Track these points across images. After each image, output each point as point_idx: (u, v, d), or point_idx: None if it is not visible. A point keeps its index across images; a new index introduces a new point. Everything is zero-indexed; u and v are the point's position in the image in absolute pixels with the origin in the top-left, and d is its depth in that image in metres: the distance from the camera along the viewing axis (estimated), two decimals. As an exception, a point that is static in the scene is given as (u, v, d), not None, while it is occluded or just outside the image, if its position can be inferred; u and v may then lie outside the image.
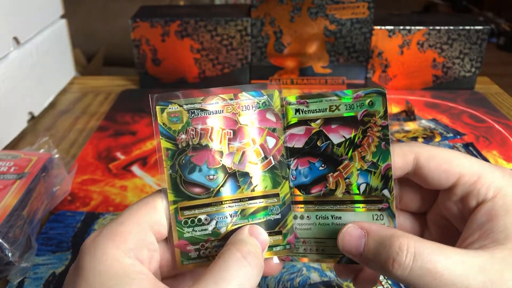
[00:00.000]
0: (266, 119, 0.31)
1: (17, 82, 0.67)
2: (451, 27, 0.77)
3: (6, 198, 0.45)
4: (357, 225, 0.29)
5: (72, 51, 0.88)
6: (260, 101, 0.31)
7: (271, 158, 0.31)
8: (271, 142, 0.31)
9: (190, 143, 0.31)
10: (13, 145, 0.66)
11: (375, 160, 0.30)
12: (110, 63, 1.48)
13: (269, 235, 0.31)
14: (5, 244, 0.41)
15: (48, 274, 0.44)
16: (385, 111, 0.30)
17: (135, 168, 0.61)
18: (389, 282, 0.42)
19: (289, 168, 0.32)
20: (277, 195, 0.31)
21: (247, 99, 0.31)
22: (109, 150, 0.65)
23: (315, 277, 0.43)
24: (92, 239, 0.27)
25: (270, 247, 0.32)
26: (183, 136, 0.30)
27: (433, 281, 0.25)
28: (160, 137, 0.30)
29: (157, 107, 0.30)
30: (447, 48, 0.78)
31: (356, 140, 0.31)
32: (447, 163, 0.30)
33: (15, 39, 0.67)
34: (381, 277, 0.42)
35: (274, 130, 0.31)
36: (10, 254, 0.42)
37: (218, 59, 0.80)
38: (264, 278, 0.43)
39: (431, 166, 0.30)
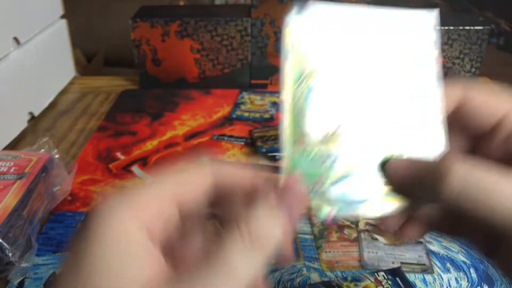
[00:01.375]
0: None
1: (17, 82, 0.67)
2: (451, 27, 0.77)
3: (6, 198, 0.45)
4: (403, 158, 0.28)
5: (72, 51, 0.88)
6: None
7: None
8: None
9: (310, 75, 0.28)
10: (13, 145, 0.66)
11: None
12: (110, 63, 1.48)
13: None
14: (5, 244, 0.41)
15: (48, 274, 0.44)
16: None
17: (135, 168, 0.61)
18: (390, 282, 0.42)
19: None
20: None
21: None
22: (109, 150, 0.65)
23: (315, 277, 0.43)
24: (110, 202, 0.24)
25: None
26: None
27: (487, 202, 0.23)
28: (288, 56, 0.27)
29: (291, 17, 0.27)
30: (447, 48, 0.78)
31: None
32: (491, 98, 0.28)
33: (15, 39, 0.67)
34: (381, 278, 0.42)
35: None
36: (10, 254, 0.42)
37: (218, 59, 0.80)
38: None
39: (475, 102, 0.28)
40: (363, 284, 0.42)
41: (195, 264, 0.22)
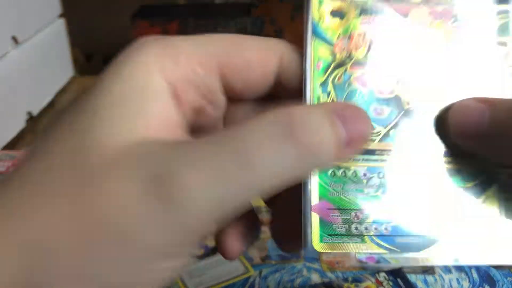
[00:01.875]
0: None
1: (16, 82, 0.67)
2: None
3: (5, 199, 0.45)
4: (475, 99, 0.20)
5: (71, 50, 0.88)
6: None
7: None
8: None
9: (353, 54, 0.21)
10: (11, 145, 0.66)
11: None
12: (109, 63, 1.47)
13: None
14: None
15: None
16: None
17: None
18: (391, 283, 0.42)
19: None
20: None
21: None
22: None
23: (315, 278, 0.43)
24: (145, 41, 0.20)
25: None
26: (345, 42, 0.21)
27: None
28: (313, 37, 0.21)
29: None
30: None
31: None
32: None
33: (14, 39, 0.67)
34: (381, 278, 0.42)
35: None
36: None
37: (218, 58, 0.80)
38: (264, 278, 0.43)
39: None
40: (364, 284, 0.42)
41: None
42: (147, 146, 0.17)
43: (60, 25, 0.83)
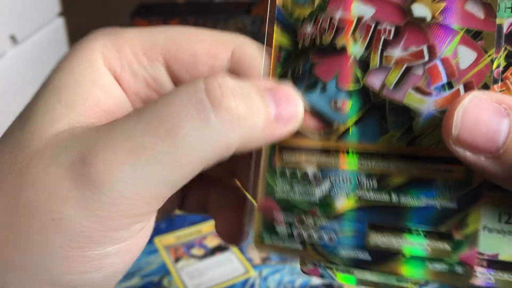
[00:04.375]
0: (466, 13, 0.16)
1: (14, 81, 0.67)
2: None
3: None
4: (490, 97, 0.15)
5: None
6: None
7: (461, 87, 0.16)
8: (466, 57, 0.16)
9: (317, 41, 0.18)
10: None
11: None
12: None
13: (425, 237, 0.17)
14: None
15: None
16: None
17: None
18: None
19: None
20: (458, 161, 0.16)
21: None
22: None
23: (316, 279, 0.43)
24: (93, 34, 0.20)
25: (421, 261, 0.17)
26: (309, 29, 0.18)
27: None
28: (276, 24, 0.19)
29: None
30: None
31: (494, 68, 0.16)
32: None
33: (12, 38, 0.67)
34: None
35: (476, 35, 0.16)
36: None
37: (218, 57, 0.79)
38: (264, 279, 0.43)
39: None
40: (364, 285, 0.42)
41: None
42: (72, 132, 0.17)
43: (59, 24, 0.82)
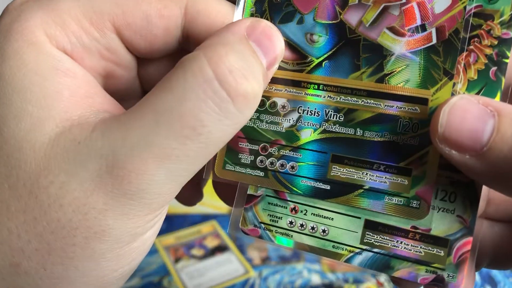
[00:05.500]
0: None
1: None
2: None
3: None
4: (476, 99, 0.16)
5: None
6: None
7: (433, 31, 0.17)
8: (442, 2, 0.17)
9: None
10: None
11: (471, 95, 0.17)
12: None
13: (385, 171, 0.18)
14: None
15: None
16: None
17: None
18: (391, 284, 0.42)
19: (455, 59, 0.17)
20: (424, 101, 0.17)
21: None
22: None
23: (316, 279, 0.43)
24: (22, 5, 0.17)
25: (379, 194, 0.18)
26: None
27: None
28: None
29: None
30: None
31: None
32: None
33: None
34: (382, 279, 0.42)
35: None
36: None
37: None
38: (264, 279, 0.43)
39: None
40: (364, 285, 0.42)
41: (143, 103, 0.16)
42: (73, 139, 0.16)
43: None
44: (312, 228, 0.19)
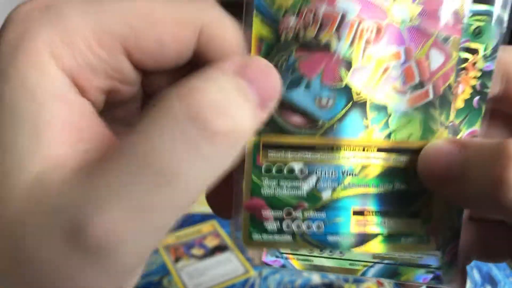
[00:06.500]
0: (436, 18, 0.18)
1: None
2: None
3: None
4: (449, 140, 0.19)
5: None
6: None
7: (430, 87, 0.19)
8: (436, 59, 0.19)
9: (301, 35, 0.18)
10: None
11: (457, 122, 0.19)
12: None
13: (398, 217, 0.20)
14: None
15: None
16: (495, 49, 0.19)
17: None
18: (391, 284, 0.42)
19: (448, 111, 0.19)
20: None
21: None
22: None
23: (316, 279, 0.43)
24: (29, 18, 0.17)
25: (395, 237, 0.20)
26: (292, 20, 0.18)
27: None
28: (255, 13, 0.18)
29: None
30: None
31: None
32: None
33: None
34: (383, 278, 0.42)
35: (446, 40, 0.19)
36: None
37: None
38: (264, 279, 0.43)
39: None
40: (364, 285, 0.42)
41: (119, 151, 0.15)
42: (50, 182, 0.15)
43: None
44: (330, 251, 0.21)
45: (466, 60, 0.19)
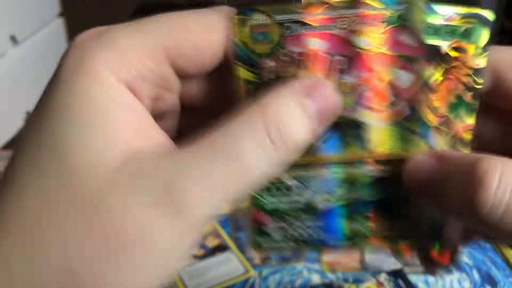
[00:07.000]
0: (400, 43, 0.21)
1: (14, 81, 0.67)
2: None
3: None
4: (430, 153, 0.21)
5: (70, 50, 0.88)
6: (393, 14, 0.21)
7: (403, 104, 0.21)
8: (405, 79, 0.21)
9: (281, 74, 0.21)
10: (10, 145, 0.65)
11: (450, 116, 0.22)
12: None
13: (388, 220, 0.23)
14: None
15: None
16: (484, 49, 0.21)
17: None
18: (392, 284, 0.42)
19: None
20: (400, 162, 0.22)
21: (372, 8, 0.21)
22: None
23: (316, 279, 0.43)
24: (85, 44, 0.19)
25: (383, 237, 0.23)
26: (271, 64, 0.21)
27: None
28: (236, 62, 0.21)
29: (235, 16, 0.21)
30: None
31: (431, 81, 0.21)
32: None
33: (13, 38, 0.67)
34: (383, 279, 0.42)
35: (411, 60, 0.21)
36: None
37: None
38: (264, 279, 0.43)
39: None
40: (364, 285, 0.42)
41: (197, 144, 0.18)
42: (137, 164, 0.18)
43: (59, 24, 0.83)
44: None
45: (456, 58, 0.21)
